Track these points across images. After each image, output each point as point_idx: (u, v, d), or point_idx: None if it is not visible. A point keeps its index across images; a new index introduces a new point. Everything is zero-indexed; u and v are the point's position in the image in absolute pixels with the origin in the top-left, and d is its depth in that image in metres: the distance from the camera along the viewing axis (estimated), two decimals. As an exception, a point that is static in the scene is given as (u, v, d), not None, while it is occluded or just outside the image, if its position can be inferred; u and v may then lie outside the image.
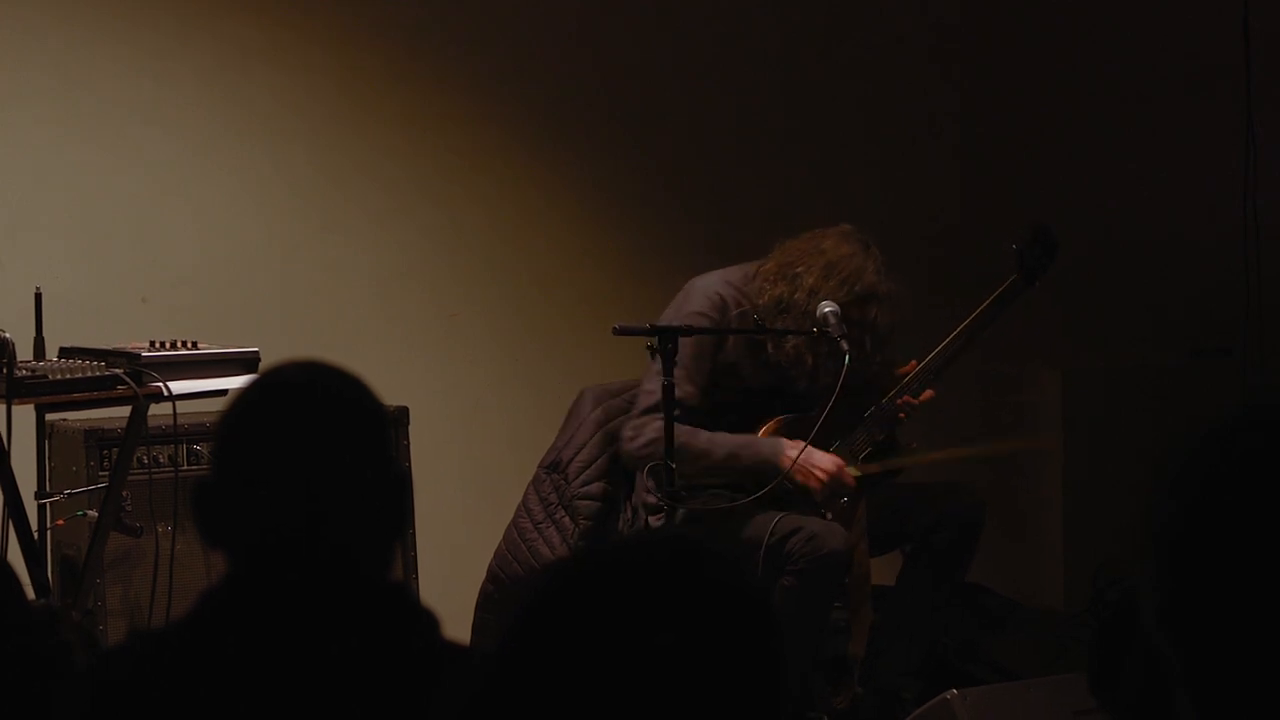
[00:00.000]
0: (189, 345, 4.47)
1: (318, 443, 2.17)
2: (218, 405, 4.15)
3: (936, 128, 6.75)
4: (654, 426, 4.64)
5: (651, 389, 4.70)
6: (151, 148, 5.51)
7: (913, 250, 6.60)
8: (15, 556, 4.19)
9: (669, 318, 4.76)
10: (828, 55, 6.54)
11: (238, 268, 5.61)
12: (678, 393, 4.62)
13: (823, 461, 4.70)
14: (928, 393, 4.86)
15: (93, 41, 5.43)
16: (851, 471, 4.75)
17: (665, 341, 4.50)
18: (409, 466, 5.00)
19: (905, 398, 4.82)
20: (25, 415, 4.45)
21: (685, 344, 4.62)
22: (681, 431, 4.62)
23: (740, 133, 6.40)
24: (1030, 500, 6.64)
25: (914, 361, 4.86)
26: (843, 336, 4.64)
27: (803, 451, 4.68)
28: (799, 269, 4.73)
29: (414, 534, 5.01)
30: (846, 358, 4.65)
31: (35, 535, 4.38)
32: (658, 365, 4.58)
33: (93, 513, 4.50)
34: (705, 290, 4.82)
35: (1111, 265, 6.75)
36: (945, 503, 4.84)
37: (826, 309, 4.66)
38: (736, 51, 6.41)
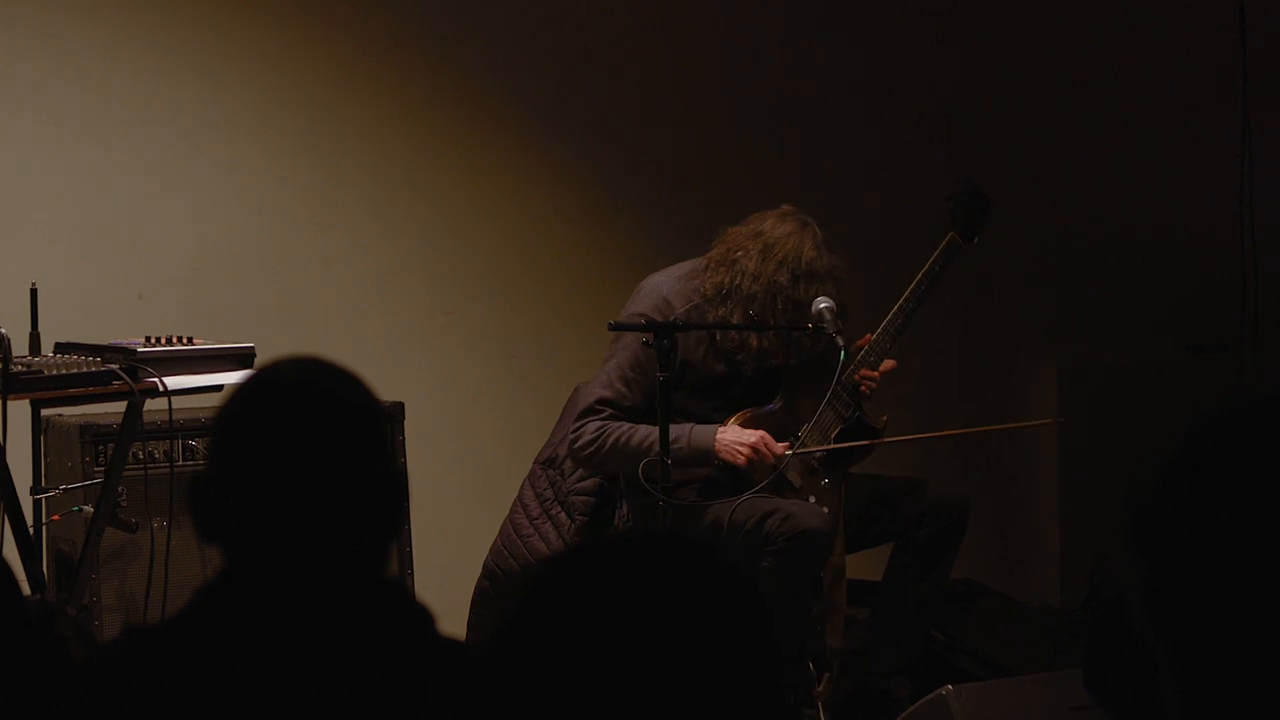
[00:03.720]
0: (185, 340, 4.46)
1: (313, 438, 2.17)
2: (213, 400, 4.17)
3: (936, 126, 6.74)
4: (591, 428, 4.71)
5: (592, 391, 4.76)
6: (148, 144, 5.50)
7: (912, 247, 6.60)
8: (11, 552, 4.19)
9: (622, 318, 4.79)
10: (827, 53, 6.54)
11: (234, 264, 5.61)
12: (609, 392, 4.71)
13: (747, 436, 4.69)
14: (888, 363, 4.86)
15: (89, 37, 5.43)
16: (794, 448, 4.72)
17: (661, 337, 4.51)
18: (404, 462, 5.00)
19: (864, 371, 4.81)
20: (21, 410, 4.45)
21: (626, 349, 4.70)
22: (619, 430, 4.69)
23: (738, 129, 6.39)
24: (1026, 496, 6.64)
25: (869, 335, 4.85)
26: (838, 332, 4.65)
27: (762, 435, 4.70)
28: (738, 254, 4.74)
29: (410, 530, 5.01)
30: (842, 353, 4.67)
31: (31, 530, 4.39)
32: (611, 364, 4.72)
33: (88, 508, 4.50)
34: (650, 289, 4.82)
35: (1108, 260, 6.75)
36: (929, 497, 4.84)
37: (821, 305, 4.67)
38: (736, 50, 6.41)
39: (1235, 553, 1.41)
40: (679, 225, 6.25)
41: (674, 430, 4.64)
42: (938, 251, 4.95)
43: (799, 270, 4.69)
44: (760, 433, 4.69)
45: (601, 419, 4.72)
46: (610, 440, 4.69)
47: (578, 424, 4.76)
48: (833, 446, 4.79)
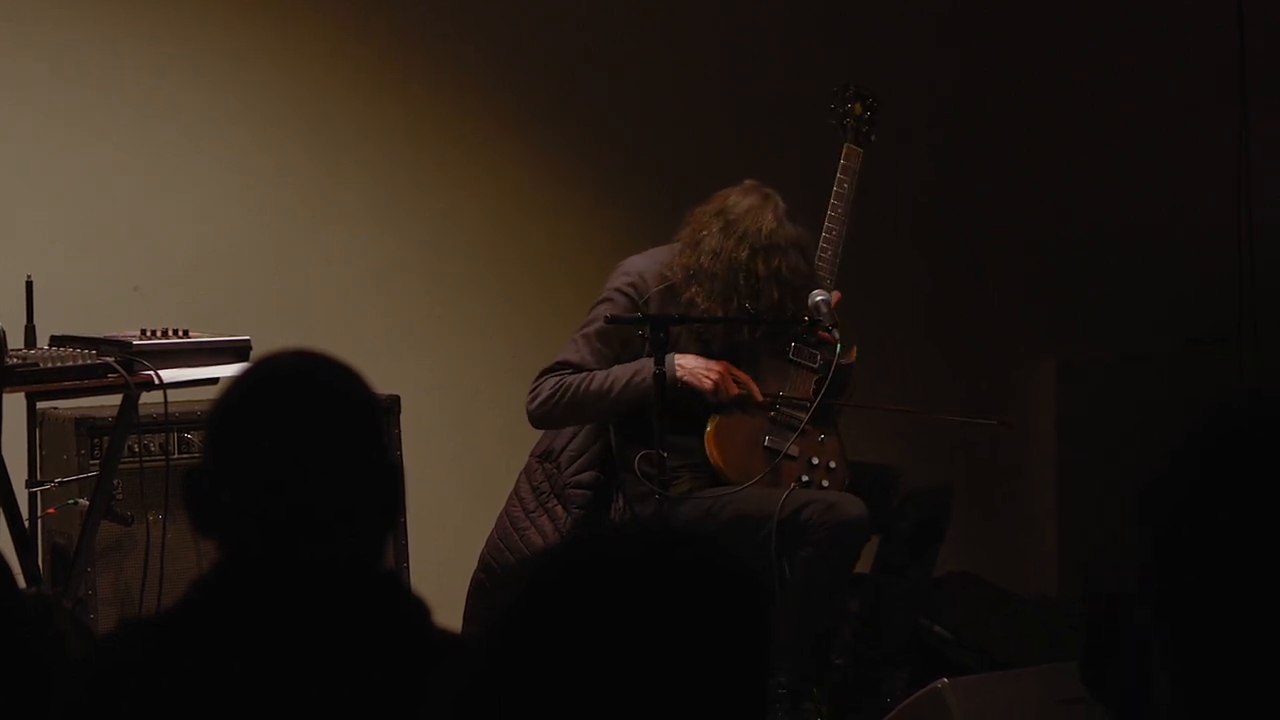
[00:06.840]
0: (180, 333, 4.46)
1: (309, 431, 2.17)
2: (209, 393, 4.17)
3: (935, 121, 6.74)
4: (549, 384, 4.76)
5: (559, 354, 4.80)
6: (146, 138, 5.50)
7: (912, 246, 6.60)
8: (6, 545, 4.19)
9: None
10: (827, 53, 6.53)
11: (234, 262, 5.60)
12: (573, 356, 4.77)
13: (712, 363, 4.72)
14: (835, 295, 4.84)
15: (87, 31, 5.42)
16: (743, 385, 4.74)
17: (657, 330, 4.53)
18: (401, 455, 5.00)
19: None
20: (16, 403, 4.44)
21: (597, 321, 4.77)
22: (577, 379, 4.73)
23: (738, 129, 6.39)
24: (1024, 488, 6.65)
25: None
26: (834, 325, 4.67)
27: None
28: (703, 234, 4.78)
29: (406, 522, 5.01)
30: (839, 347, 4.68)
31: (26, 524, 4.38)
32: (579, 334, 4.77)
33: (84, 501, 4.50)
34: (628, 267, 4.88)
35: (1107, 254, 6.76)
36: (907, 486, 4.84)
37: (819, 298, 4.69)
38: (736, 50, 6.40)
39: (1239, 546, 1.41)
40: (679, 225, 6.24)
41: (632, 365, 4.69)
42: (839, 168, 4.97)
43: (759, 244, 4.72)
44: (724, 362, 4.72)
45: (558, 375, 4.76)
46: (570, 391, 4.73)
47: (536, 382, 4.80)
48: (780, 398, 4.79)
